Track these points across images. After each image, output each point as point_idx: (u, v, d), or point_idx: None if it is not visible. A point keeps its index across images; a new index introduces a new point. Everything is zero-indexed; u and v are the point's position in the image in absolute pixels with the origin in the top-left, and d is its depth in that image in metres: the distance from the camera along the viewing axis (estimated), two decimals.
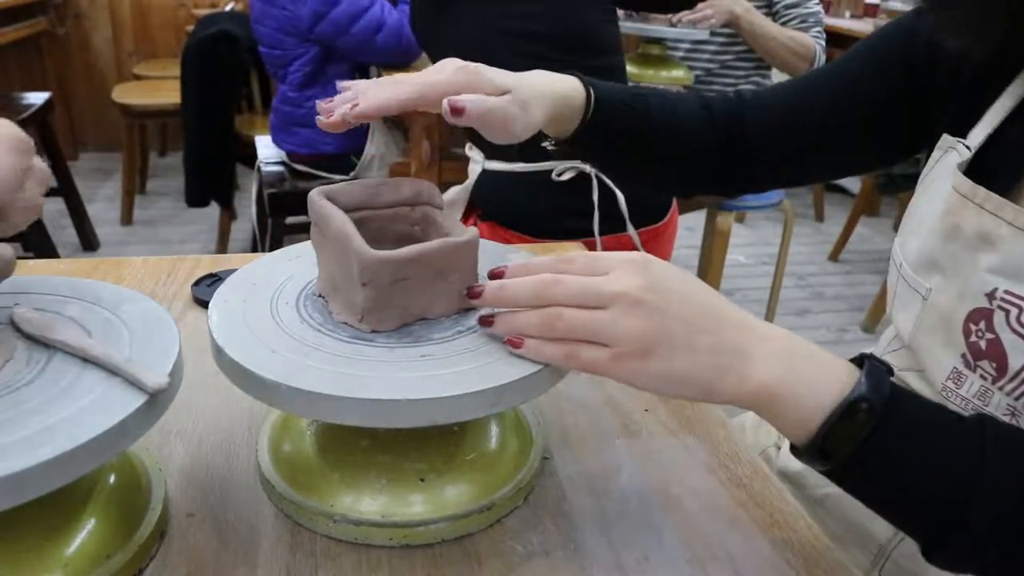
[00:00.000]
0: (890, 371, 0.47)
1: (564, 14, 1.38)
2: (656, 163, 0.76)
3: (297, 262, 0.61)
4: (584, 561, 0.51)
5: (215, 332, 0.50)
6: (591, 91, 0.67)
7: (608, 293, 0.46)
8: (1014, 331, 0.54)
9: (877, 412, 0.44)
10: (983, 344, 0.56)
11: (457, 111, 0.55)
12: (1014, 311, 0.54)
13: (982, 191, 0.56)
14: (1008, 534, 0.44)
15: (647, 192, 1.39)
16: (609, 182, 1.45)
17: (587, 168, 1.45)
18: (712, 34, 2.01)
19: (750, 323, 0.48)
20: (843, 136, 0.72)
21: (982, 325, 0.56)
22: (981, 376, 0.57)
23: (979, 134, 0.60)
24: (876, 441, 0.44)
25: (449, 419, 0.47)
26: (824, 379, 0.45)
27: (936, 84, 0.66)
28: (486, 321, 0.51)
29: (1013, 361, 0.54)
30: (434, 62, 1.60)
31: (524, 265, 0.51)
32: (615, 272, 0.47)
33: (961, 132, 0.61)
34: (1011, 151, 0.58)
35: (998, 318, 0.55)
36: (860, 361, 0.47)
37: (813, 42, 1.95)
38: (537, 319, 0.48)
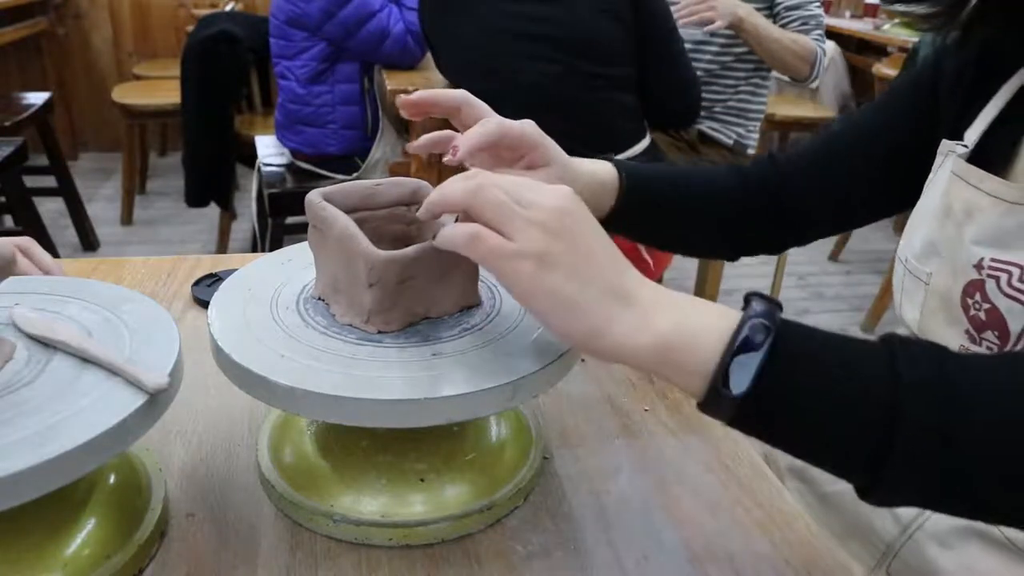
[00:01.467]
0: (779, 306, 0.44)
1: (575, 19, 1.38)
2: (697, 232, 0.78)
3: (290, 266, 0.61)
4: (584, 561, 0.51)
5: (220, 340, 0.50)
6: (622, 173, 0.69)
7: (531, 198, 0.45)
8: (1007, 296, 0.56)
9: (772, 334, 0.41)
10: (983, 315, 0.58)
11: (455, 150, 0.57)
12: (1003, 276, 0.56)
13: (974, 170, 0.60)
14: (942, 446, 0.40)
15: None
16: None
17: None
18: (712, 35, 2.01)
19: (647, 281, 0.46)
20: (878, 182, 0.74)
21: (978, 297, 0.58)
22: (987, 348, 0.59)
23: (973, 134, 0.63)
24: (778, 366, 0.41)
25: (468, 416, 0.47)
26: (717, 322, 0.43)
27: (939, 103, 0.68)
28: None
29: (1013, 325, 0.56)
30: (439, 60, 1.61)
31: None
32: (545, 191, 0.46)
33: (958, 136, 0.64)
34: (1001, 146, 0.61)
35: (990, 286, 0.57)
36: (747, 301, 0.44)
37: (814, 44, 1.95)
38: (462, 185, 0.46)
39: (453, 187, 0.47)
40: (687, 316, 0.43)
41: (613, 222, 0.70)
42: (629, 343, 0.43)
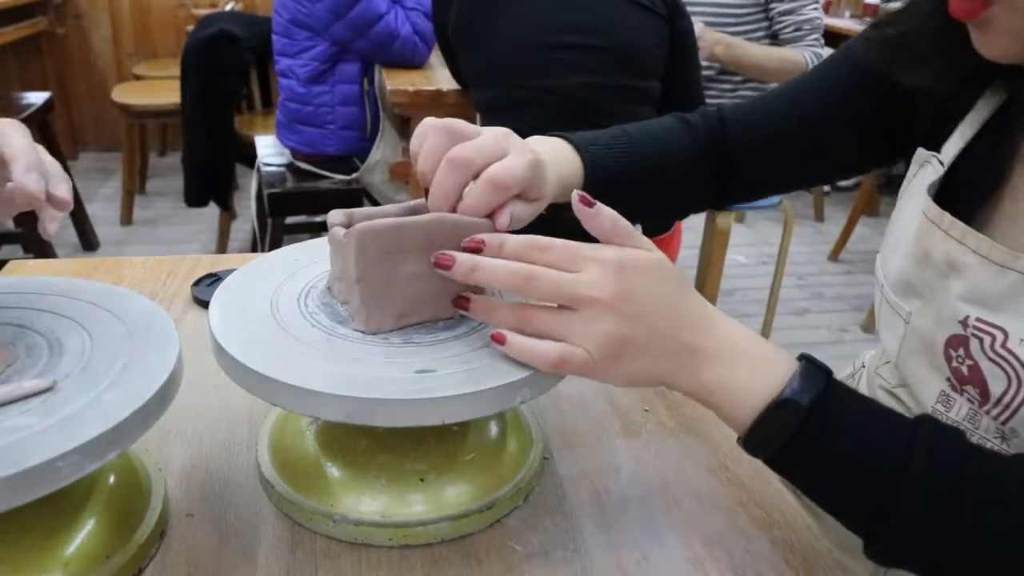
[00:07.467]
0: (829, 373, 0.48)
1: (622, 31, 1.38)
2: (650, 195, 0.75)
3: (291, 264, 0.60)
4: (584, 561, 0.51)
5: (221, 340, 0.49)
6: (583, 156, 0.66)
7: (582, 296, 0.47)
8: (991, 359, 0.53)
9: (803, 413, 0.46)
10: (965, 370, 0.55)
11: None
12: (987, 339, 0.53)
13: (948, 217, 0.55)
14: (933, 533, 0.45)
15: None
16: None
17: None
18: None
19: (709, 324, 0.50)
20: (828, 144, 0.72)
21: (961, 351, 0.55)
22: (968, 400, 0.56)
23: (951, 149, 0.59)
24: (801, 441, 0.47)
25: (468, 416, 0.47)
26: (759, 381, 0.48)
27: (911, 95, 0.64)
28: (460, 303, 0.51)
29: (994, 388, 0.53)
30: (463, 61, 1.58)
31: (499, 245, 0.49)
32: (590, 271, 0.48)
33: (935, 145, 0.60)
34: (979, 169, 0.57)
35: (974, 345, 0.54)
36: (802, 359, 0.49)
37: (800, 56, 1.95)
38: (511, 318, 0.49)
39: (502, 315, 0.50)
40: (735, 371, 0.48)
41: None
42: (678, 387, 0.50)
